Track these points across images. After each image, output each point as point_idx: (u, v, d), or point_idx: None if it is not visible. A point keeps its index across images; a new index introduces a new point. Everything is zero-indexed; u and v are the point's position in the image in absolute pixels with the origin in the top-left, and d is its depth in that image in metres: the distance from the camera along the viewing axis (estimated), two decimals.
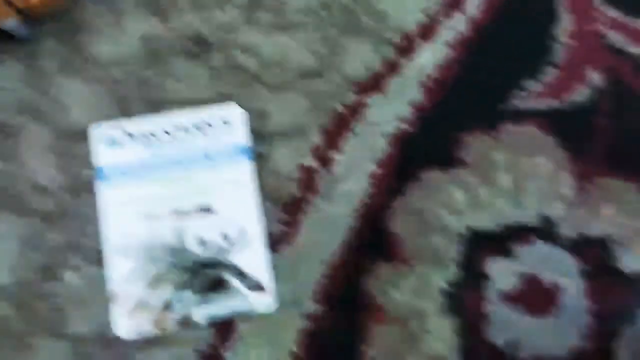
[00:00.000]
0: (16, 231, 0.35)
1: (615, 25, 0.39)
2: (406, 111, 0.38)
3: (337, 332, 0.35)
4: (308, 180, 0.37)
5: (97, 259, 0.35)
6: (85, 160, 0.36)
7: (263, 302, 0.35)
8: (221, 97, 0.37)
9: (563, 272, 0.36)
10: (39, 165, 0.36)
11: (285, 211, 0.36)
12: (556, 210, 0.36)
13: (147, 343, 0.34)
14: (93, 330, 0.34)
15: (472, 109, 0.38)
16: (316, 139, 0.37)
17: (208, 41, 0.38)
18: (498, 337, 0.35)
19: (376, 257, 0.36)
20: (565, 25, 0.39)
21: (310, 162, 0.37)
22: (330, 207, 0.36)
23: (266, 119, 0.37)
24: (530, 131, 0.37)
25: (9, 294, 0.34)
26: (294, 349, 0.35)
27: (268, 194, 0.36)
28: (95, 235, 0.35)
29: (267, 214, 0.36)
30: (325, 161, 0.37)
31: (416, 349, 0.35)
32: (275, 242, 0.36)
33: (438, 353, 0.35)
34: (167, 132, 0.36)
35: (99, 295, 0.34)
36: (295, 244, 0.36)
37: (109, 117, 0.36)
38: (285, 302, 0.35)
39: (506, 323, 0.35)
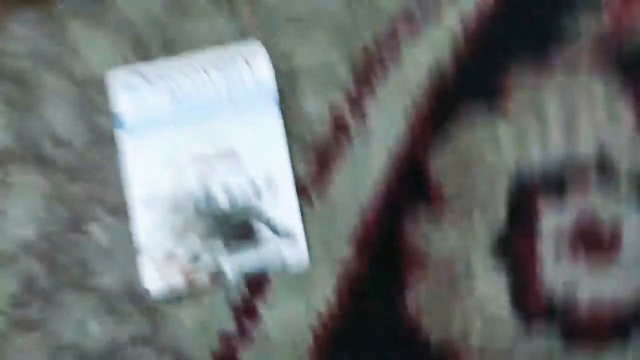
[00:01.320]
0: (39, 185, 0.34)
1: None
2: (445, 44, 0.34)
3: (376, 280, 0.33)
4: (340, 123, 0.34)
5: (122, 210, 0.33)
6: (105, 108, 0.34)
7: (295, 254, 0.33)
8: (243, 35, 0.35)
9: (624, 211, 0.32)
10: (58, 117, 0.34)
11: (316, 155, 0.34)
12: (615, 142, 0.33)
13: (177, 296, 0.33)
14: (121, 284, 0.33)
15: (522, 36, 0.34)
16: (348, 78, 0.34)
17: None
18: (554, 280, 0.32)
19: (416, 200, 0.33)
20: None
21: (341, 101, 0.34)
22: (364, 148, 0.34)
23: (291, 57, 0.34)
24: (584, 56, 0.34)
25: (35, 249, 0.33)
26: (332, 299, 0.33)
27: (296, 137, 0.34)
28: (119, 186, 0.33)
29: (296, 158, 0.34)
30: (357, 100, 0.34)
31: (464, 296, 0.33)
32: (305, 190, 0.33)
33: (488, 300, 0.32)
34: (187, 75, 0.34)
35: (125, 248, 0.33)
36: (328, 190, 0.33)
37: (127, 61, 0.34)
38: (319, 252, 0.33)
39: (562, 266, 0.32)
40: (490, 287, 0.33)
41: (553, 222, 0.33)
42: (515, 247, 0.33)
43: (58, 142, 0.34)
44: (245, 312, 0.33)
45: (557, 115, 0.33)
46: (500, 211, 0.33)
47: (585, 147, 0.33)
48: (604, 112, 0.33)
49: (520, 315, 0.32)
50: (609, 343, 0.32)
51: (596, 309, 0.32)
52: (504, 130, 0.33)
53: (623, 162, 0.33)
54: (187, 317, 0.33)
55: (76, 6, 0.35)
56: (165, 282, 0.33)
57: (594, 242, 0.32)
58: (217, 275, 0.33)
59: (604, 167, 0.33)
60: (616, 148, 0.33)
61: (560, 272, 0.32)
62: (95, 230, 0.33)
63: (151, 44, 0.35)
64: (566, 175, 0.33)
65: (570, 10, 0.34)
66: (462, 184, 0.33)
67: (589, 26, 0.34)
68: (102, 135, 0.34)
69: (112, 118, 0.34)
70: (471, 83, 0.34)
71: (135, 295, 0.33)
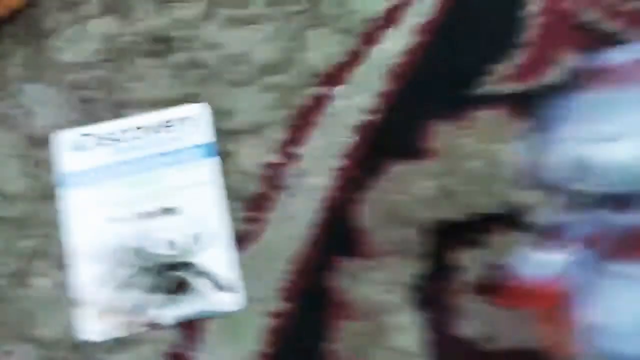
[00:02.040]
0: None
1: (586, 1, 0.37)
2: (371, 101, 0.37)
3: (302, 329, 0.35)
4: (273, 177, 0.36)
5: (66, 264, 0.35)
6: (50, 165, 0.36)
7: (230, 301, 0.34)
8: (184, 96, 0.37)
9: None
10: (5, 172, 0.36)
11: (251, 208, 0.36)
12: (530, 197, 0.35)
13: (114, 345, 0.34)
14: (62, 334, 0.34)
15: (439, 96, 0.36)
16: (281, 134, 0.36)
17: (170, 39, 0.37)
18: (470, 329, 0.34)
19: (342, 251, 0.35)
20: (534, 5, 0.37)
21: (275, 157, 0.36)
22: (295, 202, 0.36)
23: (230, 116, 0.37)
24: (500, 115, 0.36)
25: None
26: (260, 346, 0.34)
27: (233, 192, 0.36)
28: (64, 241, 0.35)
29: (233, 212, 0.36)
30: (290, 156, 0.36)
31: (384, 343, 0.34)
32: (241, 240, 0.35)
33: (407, 348, 0.34)
34: (131, 136, 0.36)
35: (68, 301, 0.35)
36: (261, 242, 0.35)
37: (73, 121, 0.37)
38: (251, 300, 0.35)
39: (479, 315, 0.34)
40: (411, 338, 0.34)
41: (470, 273, 0.34)
42: (435, 300, 0.34)
43: (5, 197, 0.36)
44: (179, 359, 0.34)
45: (475, 172, 0.35)
46: (421, 263, 0.35)
47: (502, 202, 0.35)
48: (519, 169, 0.35)
49: None
50: None
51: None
52: (429, 188, 0.35)
53: (537, 216, 0.35)
54: None
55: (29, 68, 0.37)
56: (105, 332, 0.34)
57: (508, 292, 0.34)
58: (155, 325, 0.34)
59: (519, 221, 0.35)
60: (531, 203, 0.35)
61: (476, 322, 0.34)
62: (40, 284, 0.35)
63: (97, 103, 0.37)
64: (486, 228, 0.35)
65: (486, 67, 0.37)
66: (387, 237, 0.35)
67: (503, 84, 0.36)
68: (47, 190, 0.36)
69: (57, 176, 0.36)
70: (395, 141, 0.36)
71: (75, 346, 0.34)
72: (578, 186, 0.27)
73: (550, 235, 0.29)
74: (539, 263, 0.28)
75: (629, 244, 0.25)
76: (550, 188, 0.28)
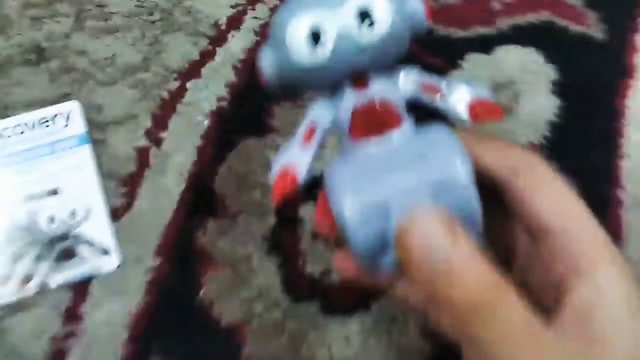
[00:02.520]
0: None
1: None
2: (222, 91, 0.44)
3: (177, 281, 0.42)
4: (142, 158, 0.43)
5: None
6: None
7: (109, 263, 0.41)
8: (61, 96, 0.43)
9: None
10: None
11: (124, 185, 0.42)
12: None
13: (13, 310, 0.40)
14: None
15: None
16: (147, 122, 0.44)
17: (44, 49, 0.44)
18: (312, 267, 0.42)
19: (205, 215, 0.42)
20: None
21: (143, 142, 0.43)
22: (163, 177, 0.43)
23: (102, 111, 0.43)
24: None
25: None
26: (141, 298, 0.41)
27: (108, 173, 0.43)
28: None
29: (109, 190, 0.42)
30: (156, 140, 0.43)
31: (246, 285, 0.42)
32: (117, 213, 0.42)
33: (265, 287, 0.42)
34: (15, 131, 0.42)
35: None
36: (135, 212, 0.42)
37: None
38: (130, 261, 0.41)
39: (318, 256, 0.42)
40: (267, 279, 0.42)
41: (310, 223, 0.43)
42: (284, 246, 0.42)
43: None
44: (71, 316, 0.41)
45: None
46: (271, 219, 0.43)
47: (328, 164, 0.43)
48: None
49: (290, 297, 0.42)
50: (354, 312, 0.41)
51: (345, 289, 0.42)
52: (272, 158, 0.43)
53: None
54: (21, 327, 0.40)
55: None
56: (2, 298, 0.40)
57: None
58: (45, 289, 0.40)
59: None
60: None
61: (316, 262, 0.42)
62: None
63: None
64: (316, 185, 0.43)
65: None
66: (242, 200, 0.43)
67: None
68: None
69: None
70: (242, 122, 0.44)
71: None
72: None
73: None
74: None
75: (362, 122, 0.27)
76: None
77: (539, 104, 0.44)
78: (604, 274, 0.23)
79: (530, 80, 0.44)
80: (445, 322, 0.25)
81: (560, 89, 0.44)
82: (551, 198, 0.25)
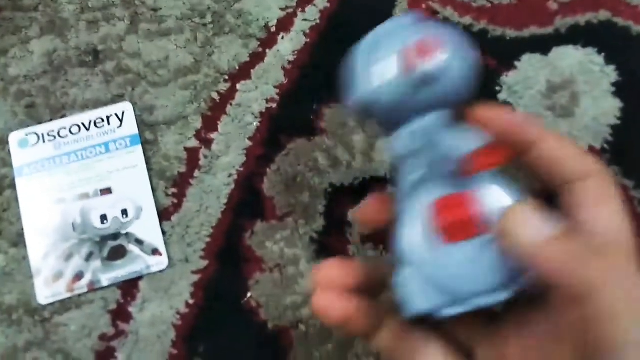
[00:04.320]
0: None
1: (446, 1, 0.46)
2: (271, 92, 0.44)
3: (224, 283, 0.41)
4: (192, 159, 0.43)
5: (21, 242, 0.41)
6: (6, 161, 0.43)
7: (158, 262, 0.41)
8: (114, 97, 0.44)
9: None
10: None
11: (174, 186, 0.43)
12: None
13: (64, 307, 0.41)
14: (19, 300, 0.41)
15: (328, 84, 0.44)
16: (197, 123, 0.44)
17: (100, 51, 0.45)
18: None
19: (253, 216, 0.42)
20: (403, 6, 0.46)
21: (193, 143, 0.43)
22: (212, 178, 0.43)
23: (153, 112, 0.44)
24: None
25: None
26: (189, 299, 0.41)
27: (159, 173, 0.43)
28: (18, 222, 0.42)
29: (159, 189, 0.43)
30: (206, 141, 0.43)
31: (294, 289, 0.41)
32: (167, 213, 0.42)
33: (311, 291, 0.41)
34: (70, 131, 0.43)
35: (23, 272, 0.41)
36: (184, 212, 0.42)
37: (22, 123, 0.43)
38: (179, 261, 0.42)
39: (365, 260, 0.41)
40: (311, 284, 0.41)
41: (358, 227, 0.42)
42: (332, 250, 0.42)
43: None
44: (119, 314, 0.41)
45: (359, 145, 0.43)
46: (319, 222, 0.42)
47: (382, 166, 0.43)
48: None
49: None
50: None
51: None
52: (321, 159, 0.43)
53: None
54: (72, 324, 0.41)
55: None
56: (55, 296, 0.41)
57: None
58: (95, 287, 0.41)
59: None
60: None
61: None
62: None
63: (42, 108, 0.44)
64: (367, 188, 0.42)
65: None
66: (290, 202, 0.42)
67: None
68: (4, 183, 0.42)
69: (12, 169, 0.42)
70: (291, 123, 0.43)
71: (31, 309, 0.41)
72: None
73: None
74: None
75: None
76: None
77: (600, 107, 0.42)
78: None
79: (589, 82, 0.43)
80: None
81: (622, 90, 0.42)
82: (604, 215, 0.25)
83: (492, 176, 0.26)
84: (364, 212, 0.29)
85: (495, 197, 0.25)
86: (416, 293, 0.25)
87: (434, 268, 0.25)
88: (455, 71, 0.26)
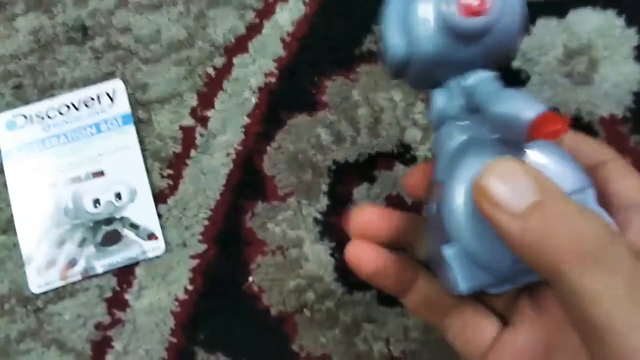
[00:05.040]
0: None
1: None
2: (270, 66, 0.42)
3: (224, 267, 0.39)
4: (188, 138, 0.41)
5: (11, 228, 0.40)
6: None
7: (154, 247, 0.39)
8: (105, 75, 0.42)
9: None
10: None
11: (169, 166, 0.41)
12: (412, 135, 0.40)
13: (58, 296, 0.39)
14: (11, 289, 0.39)
15: (330, 56, 0.42)
16: (192, 101, 0.41)
17: (88, 27, 0.42)
18: None
19: (253, 197, 0.40)
20: None
21: (189, 121, 0.41)
22: (209, 158, 0.41)
23: (146, 89, 0.42)
24: (379, 68, 0.41)
25: None
26: (187, 285, 0.39)
27: (153, 154, 0.41)
28: (7, 207, 0.40)
29: (154, 171, 0.40)
30: (202, 119, 0.41)
31: (297, 272, 0.39)
32: (163, 195, 0.40)
33: (315, 274, 0.39)
34: (60, 112, 0.41)
35: (14, 260, 0.39)
36: (180, 195, 0.40)
37: (9, 105, 0.41)
38: (176, 246, 0.39)
39: None
40: (319, 266, 0.39)
41: (366, 199, 0.39)
42: (337, 230, 0.39)
43: None
44: (115, 302, 0.39)
45: (364, 119, 0.41)
46: (323, 202, 0.40)
47: (389, 142, 0.40)
48: (402, 113, 0.40)
49: (344, 286, 0.39)
50: None
51: None
52: (323, 135, 0.41)
53: (420, 151, 0.40)
54: (67, 313, 0.39)
55: None
56: (48, 285, 0.39)
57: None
58: (90, 274, 0.39)
59: (405, 156, 0.40)
60: (413, 140, 0.40)
61: None
62: None
63: (29, 88, 0.42)
64: (375, 163, 0.40)
65: (369, 29, 0.42)
66: (292, 181, 0.40)
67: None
68: None
69: (0, 152, 0.40)
70: (291, 98, 0.41)
71: (23, 298, 0.39)
72: None
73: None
74: None
75: None
76: None
77: (621, 72, 0.39)
78: None
79: (609, 46, 0.40)
80: None
81: None
82: (627, 189, 0.24)
83: (546, 145, 0.23)
84: (409, 180, 0.28)
85: (551, 167, 0.23)
86: (462, 273, 0.23)
87: (481, 247, 0.23)
88: (504, 25, 0.23)
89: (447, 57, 0.23)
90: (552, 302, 0.24)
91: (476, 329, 0.26)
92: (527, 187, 0.19)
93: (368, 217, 0.28)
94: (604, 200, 0.23)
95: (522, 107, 0.21)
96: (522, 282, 0.23)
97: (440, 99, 0.25)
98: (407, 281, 0.27)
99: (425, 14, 0.23)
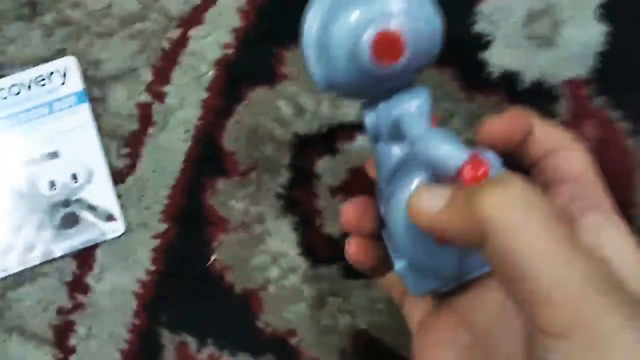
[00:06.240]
0: None
1: None
2: (227, 37, 0.40)
3: (186, 246, 0.39)
4: (144, 115, 0.40)
5: None
6: None
7: (114, 229, 0.38)
8: (56, 52, 0.40)
9: None
10: None
11: (127, 145, 0.39)
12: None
13: (17, 282, 0.38)
14: None
15: (289, 26, 0.40)
16: (148, 76, 0.40)
17: (37, 3, 0.41)
18: (332, 227, 0.38)
19: (214, 173, 0.39)
20: None
21: (145, 98, 0.40)
22: (167, 135, 0.40)
23: (100, 66, 0.40)
24: None
25: None
26: (149, 266, 0.38)
27: (110, 133, 0.40)
28: None
29: (111, 150, 0.39)
30: (158, 95, 0.40)
31: (260, 249, 0.38)
32: (120, 175, 0.39)
33: (280, 250, 0.38)
34: (10, 92, 0.40)
35: None
36: (139, 174, 0.39)
37: None
38: (136, 226, 0.39)
39: (338, 215, 0.38)
40: (283, 241, 0.38)
41: (327, 178, 0.39)
42: (300, 205, 0.39)
43: None
44: (77, 286, 0.38)
45: None
46: (285, 175, 0.39)
47: (351, 112, 0.39)
48: None
49: (308, 260, 0.38)
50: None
51: None
52: (284, 108, 0.39)
53: None
54: (27, 298, 0.38)
55: None
56: (5, 270, 0.38)
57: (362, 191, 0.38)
58: (49, 258, 0.38)
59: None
60: None
61: (336, 221, 0.38)
62: None
63: None
64: (336, 136, 0.39)
65: None
66: (253, 156, 0.39)
67: None
68: None
69: None
70: (253, 69, 0.40)
71: None
72: None
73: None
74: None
75: None
76: None
77: (584, 33, 0.38)
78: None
79: (573, 5, 0.39)
80: None
81: (609, 13, 0.38)
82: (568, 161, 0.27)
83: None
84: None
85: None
86: (414, 282, 0.27)
87: (426, 259, 0.26)
88: (423, 49, 0.24)
89: (367, 87, 0.25)
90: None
91: (412, 304, 0.30)
92: (443, 193, 0.23)
93: (358, 213, 0.29)
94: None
95: (448, 155, 0.23)
96: (465, 279, 0.27)
97: (370, 121, 0.27)
98: (383, 266, 0.30)
99: (340, 50, 0.24)
